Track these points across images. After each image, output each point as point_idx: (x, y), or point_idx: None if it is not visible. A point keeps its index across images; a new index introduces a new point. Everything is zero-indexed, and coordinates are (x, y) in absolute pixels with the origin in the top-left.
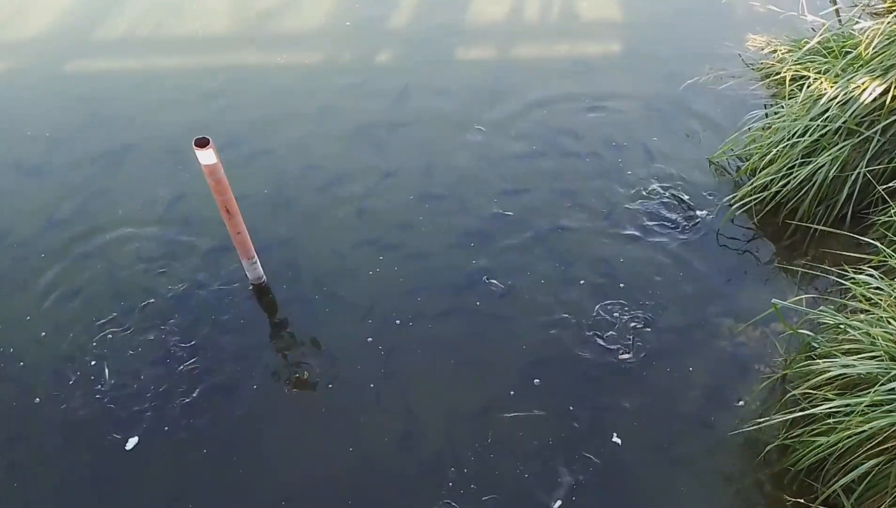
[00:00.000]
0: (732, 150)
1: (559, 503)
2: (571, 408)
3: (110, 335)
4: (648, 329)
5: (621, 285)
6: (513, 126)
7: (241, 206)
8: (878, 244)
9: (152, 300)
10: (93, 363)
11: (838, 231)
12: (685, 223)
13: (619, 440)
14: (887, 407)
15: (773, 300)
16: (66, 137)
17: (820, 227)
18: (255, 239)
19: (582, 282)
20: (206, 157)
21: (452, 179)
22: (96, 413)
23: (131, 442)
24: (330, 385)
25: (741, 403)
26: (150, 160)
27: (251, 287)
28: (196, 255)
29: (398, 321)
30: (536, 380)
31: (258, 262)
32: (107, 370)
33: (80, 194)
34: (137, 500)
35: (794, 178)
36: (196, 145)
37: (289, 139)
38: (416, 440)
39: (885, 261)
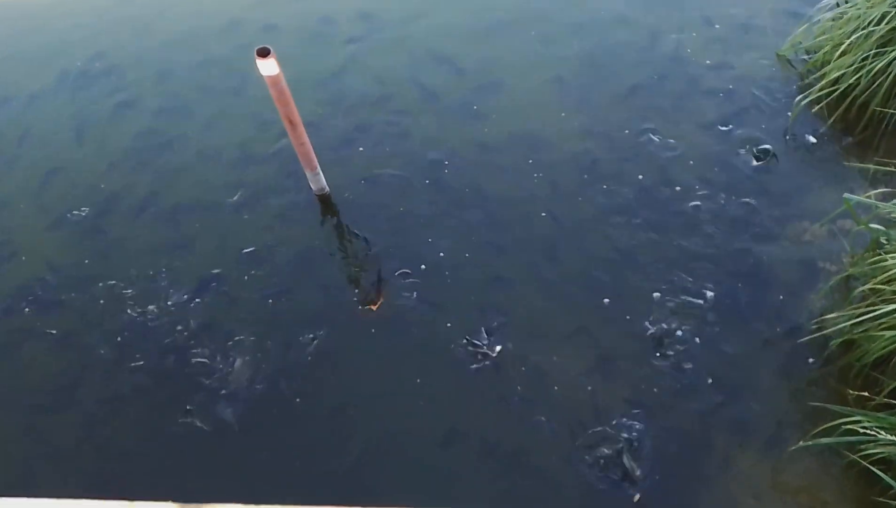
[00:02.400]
0: (801, 43)
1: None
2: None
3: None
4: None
5: (677, 188)
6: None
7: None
8: None
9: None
10: None
11: None
12: (752, 119)
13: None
14: None
15: (845, 195)
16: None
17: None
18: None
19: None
20: (268, 67)
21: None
22: None
23: None
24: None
25: (808, 300)
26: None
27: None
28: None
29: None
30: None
31: (321, 173)
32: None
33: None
34: None
35: (868, 70)
36: (258, 55)
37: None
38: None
39: None
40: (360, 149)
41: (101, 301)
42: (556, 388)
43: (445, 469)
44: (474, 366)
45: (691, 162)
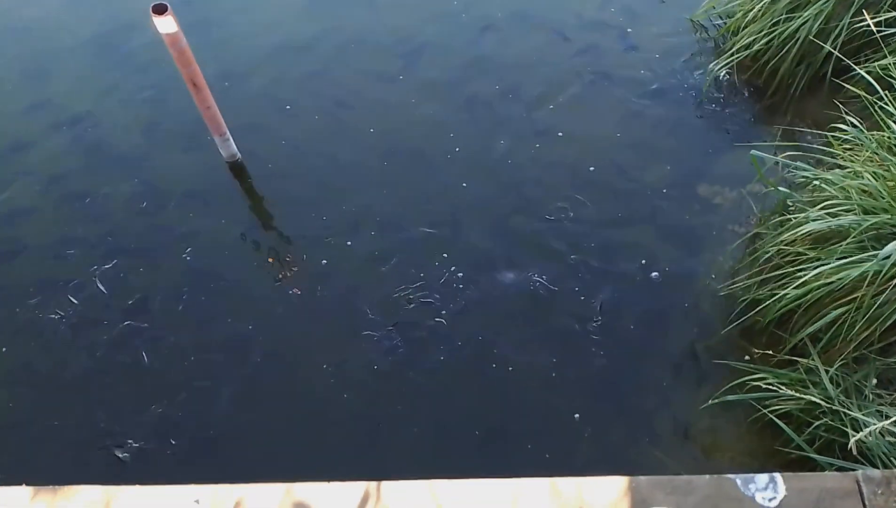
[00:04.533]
0: (714, 8)
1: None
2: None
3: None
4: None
5: (591, 168)
6: None
7: None
8: (867, 88)
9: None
10: None
11: (825, 75)
12: (666, 84)
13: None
14: (856, 259)
15: (752, 152)
16: None
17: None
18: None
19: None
20: (166, 25)
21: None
22: None
23: None
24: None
25: (717, 261)
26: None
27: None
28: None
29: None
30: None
31: (231, 138)
32: None
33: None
34: None
35: (778, 35)
36: (154, 12)
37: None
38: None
39: (867, 110)
40: (287, 108)
41: None
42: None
43: None
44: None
45: (616, 129)
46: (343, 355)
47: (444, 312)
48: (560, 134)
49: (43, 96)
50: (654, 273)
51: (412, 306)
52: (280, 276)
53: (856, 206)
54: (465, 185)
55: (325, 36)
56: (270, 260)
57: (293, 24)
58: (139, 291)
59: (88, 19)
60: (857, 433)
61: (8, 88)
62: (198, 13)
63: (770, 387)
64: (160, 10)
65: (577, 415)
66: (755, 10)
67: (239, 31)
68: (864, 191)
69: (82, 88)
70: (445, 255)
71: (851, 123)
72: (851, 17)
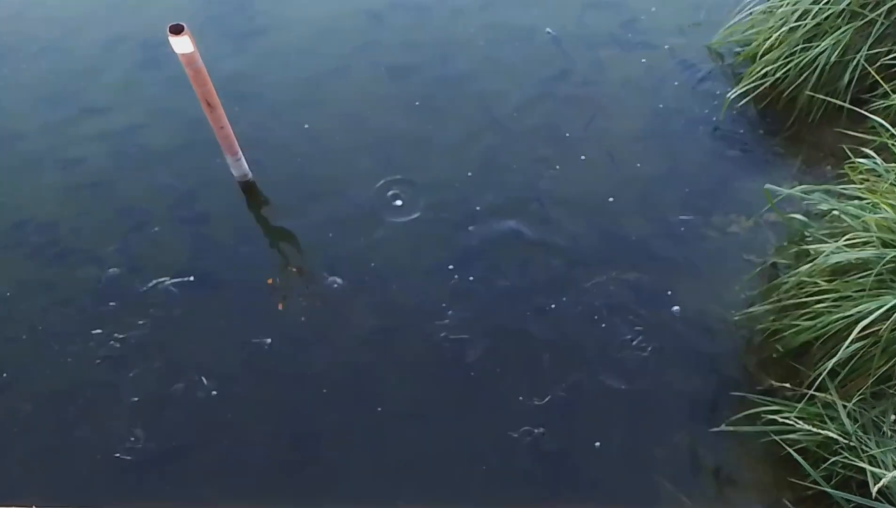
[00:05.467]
0: (732, 36)
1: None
2: None
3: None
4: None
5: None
6: None
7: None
8: (881, 122)
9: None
10: None
11: (843, 105)
12: (683, 112)
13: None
14: (876, 292)
15: (767, 186)
16: None
17: (832, 99)
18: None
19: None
20: (182, 45)
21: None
22: None
23: None
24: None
25: (733, 291)
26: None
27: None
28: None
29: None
30: None
31: (243, 158)
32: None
33: None
34: None
35: (795, 64)
36: (171, 33)
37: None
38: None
39: (885, 143)
40: (306, 126)
41: None
42: None
43: None
44: None
45: (627, 157)
46: (353, 378)
47: (462, 342)
48: (583, 158)
49: (58, 113)
50: (675, 307)
51: (426, 332)
52: (288, 297)
53: (875, 238)
54: (478, 208)
55: (346, 60)
56: (269, 281)
57: (317, 47)
58: (145, 310)
59: (106, 38)
60: (875, 469)
61: (25, 109)
62: (218, 33)
63: (787, 421)
64: (177, 30)
65: (597, 443)
66: (772, 38)
67: (262, 53)
68: (884, 224)
69: (99, 104)
70: (464, 283)
71: (869, 154)
72: (869, 49)
